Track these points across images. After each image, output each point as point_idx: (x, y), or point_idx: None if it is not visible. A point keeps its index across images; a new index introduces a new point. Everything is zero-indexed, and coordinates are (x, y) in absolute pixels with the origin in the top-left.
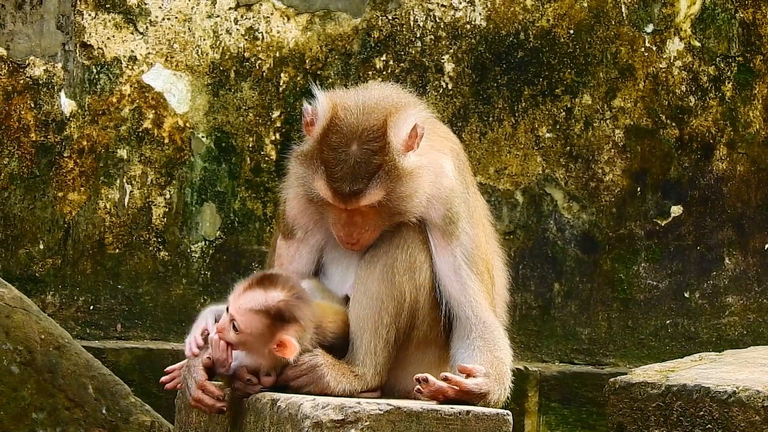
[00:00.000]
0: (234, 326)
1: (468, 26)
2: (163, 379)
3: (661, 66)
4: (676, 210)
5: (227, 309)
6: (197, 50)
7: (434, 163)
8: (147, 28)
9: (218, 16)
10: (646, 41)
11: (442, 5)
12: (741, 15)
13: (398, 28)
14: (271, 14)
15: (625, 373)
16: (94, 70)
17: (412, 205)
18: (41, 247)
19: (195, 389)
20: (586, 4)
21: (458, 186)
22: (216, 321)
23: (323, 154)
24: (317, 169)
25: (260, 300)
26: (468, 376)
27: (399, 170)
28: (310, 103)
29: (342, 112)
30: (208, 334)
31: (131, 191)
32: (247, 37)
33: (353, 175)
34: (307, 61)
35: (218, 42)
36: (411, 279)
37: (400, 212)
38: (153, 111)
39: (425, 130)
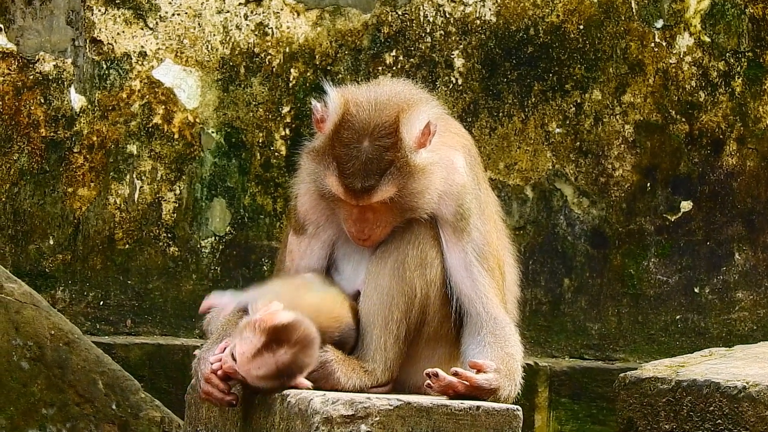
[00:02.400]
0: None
1: (478, 22)
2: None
3: (670, 61)
4: (686, 205)
5: (231, 355)
6: (207, 46)
7: (446, 159)
8: (157, 23)
9: (228, 11)
10: (656, 37)
11: (452, 0)
12: (751, 10)
13: (408, 23)
14: (281, 10)
15: (635, 369)
16: (104, 66)
17: (424, 201)
18: (51, 242)
19: (204, 383)
20: (595, 0)
21: (470, 182)
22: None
23: (335, 150)
24: (329, 165)
25: (271, 365)
26: (478, 371)
27: (411, 167)
28: (319, 100)
29: (354, 108)
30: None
31: (141, 187)
32: (257, 33)
33: (365, 171)
34: (317, 57)
35: (228, 37)
36: (422, 275)
37: (412, 208)
38: (163, 106)
39: (437, 127)
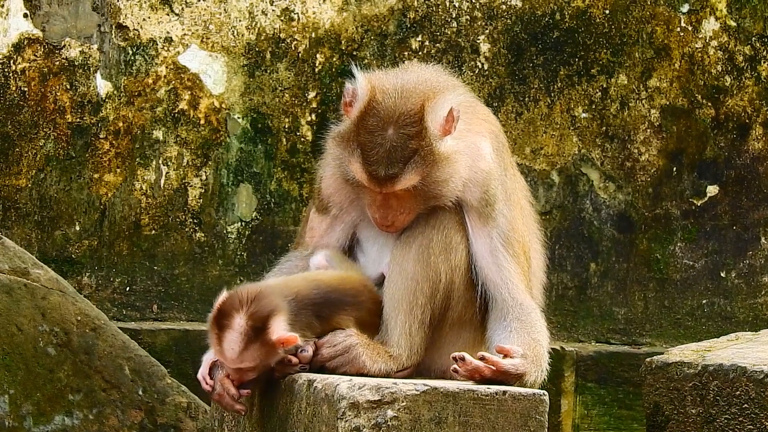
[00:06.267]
0: (241, 369)
1: (504, 6)
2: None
3: (696, 46)
4: (712, 190)
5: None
6: (233, 31)
7: (472, 146)
8: (183, 9)
9: None
10: (682, 21)
11: None
12: None
13: (434, 8)
14: None
15: (662, 353)
16: (130, 52)
17: (448, 189)
18: (77, 228)
19: (219, 386)
20: None
21: (495, 168)
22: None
23: (360, 137)
24: (353, 151)
25: (236, 338)
26: (505, 356)
27: (435, 155)
28: (351, 83)
29: (380, 96)
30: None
31: (167, 172)
32: (282, 18)
33: (389, 159)
34: (342, 42)
35: (254, 23)
36: (446, 260)
37: (436, 196)
38: (189, 92)
39: (464, 113)
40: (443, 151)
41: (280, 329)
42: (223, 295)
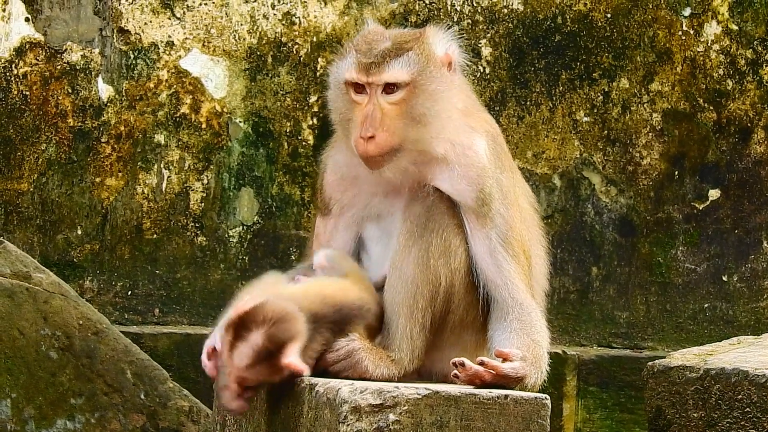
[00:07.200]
0: (243, 377)
1: (505, 10)
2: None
3: (698, 49)
4: (714, 193)
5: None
6: (234, 35)
7: (466, 140)
8: (184, 13)
9: (255, 0)
10: (684, 25)
11: None
12: None
13: (435, 12)
14: None
15: (664, 357)
16: (132, 56)
17: (435, 113)
18: (79, 232)
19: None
20: None
21: (490, 167)
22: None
23: (357, 46)
24: (348, 58)
25: (248, 353)
26: (504, 360)
27: (430, 61)
28: None
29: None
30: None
31: (169, 176)
32: (284, 22)
33: (382, 52)
34: (344, 46)
35: (255, 27)
36: (446, 263)
37: (422, 120)
38: (190, 96)
39: (465, 111)
40: (439, 72)
41: (292, 355)
42: (249, 301)
